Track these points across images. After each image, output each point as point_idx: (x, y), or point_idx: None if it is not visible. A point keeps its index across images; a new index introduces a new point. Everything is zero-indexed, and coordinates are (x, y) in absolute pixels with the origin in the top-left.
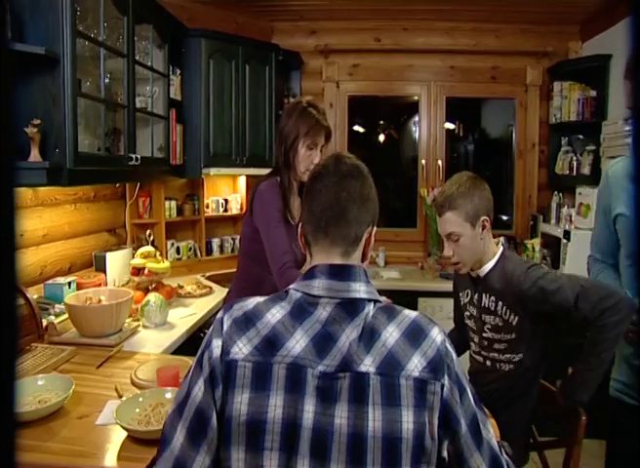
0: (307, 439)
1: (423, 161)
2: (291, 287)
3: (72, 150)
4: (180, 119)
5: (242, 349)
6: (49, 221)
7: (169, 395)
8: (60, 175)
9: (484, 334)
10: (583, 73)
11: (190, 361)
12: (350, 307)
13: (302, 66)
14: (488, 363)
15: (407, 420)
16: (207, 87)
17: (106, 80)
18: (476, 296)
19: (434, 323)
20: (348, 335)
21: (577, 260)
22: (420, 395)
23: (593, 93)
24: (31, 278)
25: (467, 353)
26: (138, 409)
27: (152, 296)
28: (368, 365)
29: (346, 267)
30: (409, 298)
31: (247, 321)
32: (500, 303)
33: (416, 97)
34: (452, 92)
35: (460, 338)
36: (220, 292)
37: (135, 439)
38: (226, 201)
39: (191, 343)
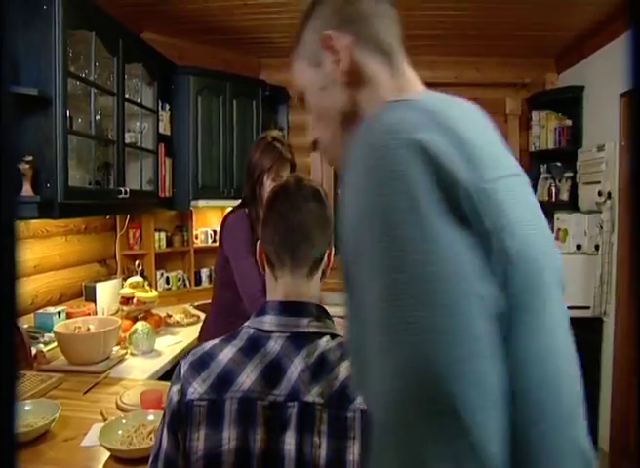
0: (259, 466)
1: None
2: (245, 324)
3: (63, 184)
4: (169, 153)
5: (197, 389)
6: (40, 253)
7: (151, 417)
8: (52, 209)
9: None
10: (560, 103)
11: None
12: (299, 340)
13: (289, 100)
14: None
15: (353, 452)
16: (195, 122)
17: (97, 117)
18: None
19: None
20: (296, 366)
21: None
22: (368, 429)
23: (569, 122)
24: (22, 307)
25: None
26: (120, 431)
27: (140, 325)
28: (315, 395)
29: (296, 304)
30: None
31: (202, 363)
32: None
33: None
34: None
35: None
36: None
37: (117, 458)
38: (215, 232)
39: None
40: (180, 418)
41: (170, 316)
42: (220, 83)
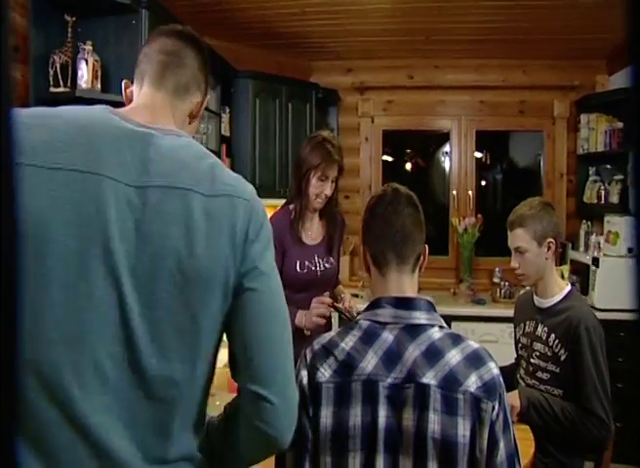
0: (382, 438)
1: (454, 192)
2: (359, 317)
3: None
4: (229, 153)
5: (324, 374)
6: None
7: None
8: None
9: (531, 360)
10: (610, 105)
11: None
12: (413, 330)
13: (339, 103)
14: None
15: (462, 428)
16: (253, 123)
17: None
18: (533, 325)
19: (492, 359)
20: (411, 353)
21: (605, 287)
22: (475, 409)
23: (620, 124)
24: None
25: None
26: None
27: None
28: (430, 377)
29: (409, 299)
30: None
31: (325, 351)
32: (553, 335)
33: (445, 130)
34: (481, 125)
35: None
36: None
37: None
38: None
39: None
40: (310, 398)
41: None
42: (276, 86)
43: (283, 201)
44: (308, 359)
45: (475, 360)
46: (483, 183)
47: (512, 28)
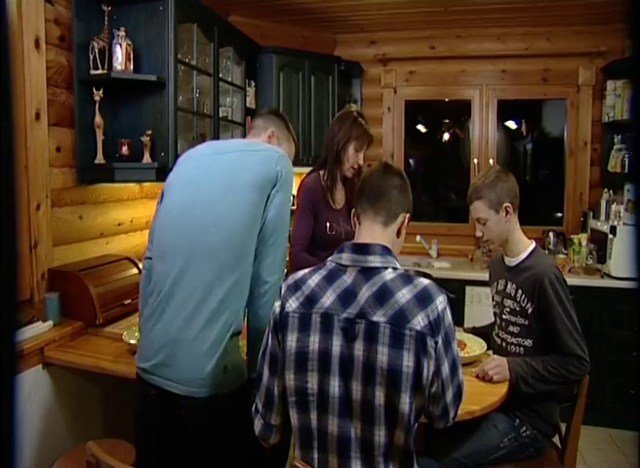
0: (336, 364)
1: (475, 160)
2: (328, 260)
3: (173, 153)
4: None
5: (292, 305)
6: (150, 210)
7: None
8: (165, 173)
9: (503, 316)
10: None
11: None
12: (368, 273)
13: (363, 74)
14: (503, 344)
15: (407, 359)
16: (278, 96)
17: (197, 95)
18: (503, 283)
19: (441, 292)
20: (364, 293)
21: (622, 255)
22: (420, 344)
23: None
24: (138, 255)
25: None
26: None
27: None
28: (379, 316)
29: (365, 245)
30: (457, 286)
31: (296, 286)
32: (520, 290)
33: (468, 100)
34: (503, 95)
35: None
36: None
37: None
38: (294, 196)
39: None
40: (279, 325)
41: None
42: (299, 60)
43: (306, 169)
44: (282, 291)
45: (424, 298)
46: (514, 154)
47: None
